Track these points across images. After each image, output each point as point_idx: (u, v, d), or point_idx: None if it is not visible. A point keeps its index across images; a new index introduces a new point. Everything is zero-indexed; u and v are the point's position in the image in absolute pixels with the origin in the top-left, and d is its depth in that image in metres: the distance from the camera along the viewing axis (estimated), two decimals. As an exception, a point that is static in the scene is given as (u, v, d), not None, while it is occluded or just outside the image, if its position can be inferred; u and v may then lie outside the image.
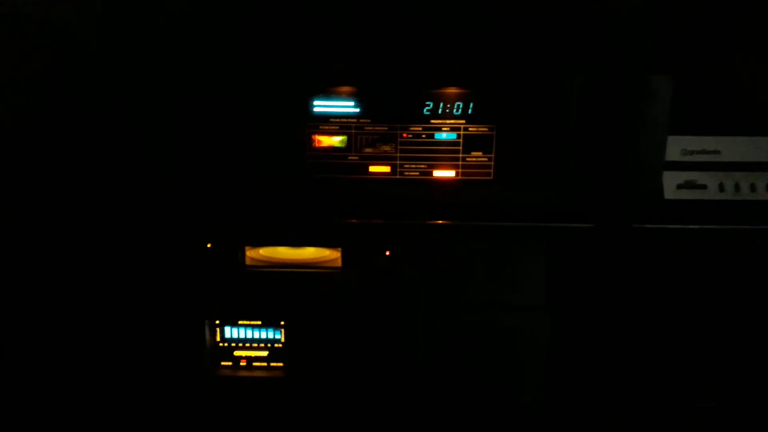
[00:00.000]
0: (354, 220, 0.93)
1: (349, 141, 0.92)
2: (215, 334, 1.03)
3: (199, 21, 0.89)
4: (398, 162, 0.92)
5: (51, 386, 1.03)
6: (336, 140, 0.92)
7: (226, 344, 1.03)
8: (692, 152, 0.90)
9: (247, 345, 1.03)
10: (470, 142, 0.91)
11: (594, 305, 0.94)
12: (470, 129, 0.91)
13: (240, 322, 1.02)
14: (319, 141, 0.92)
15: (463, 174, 0.92)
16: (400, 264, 0.97)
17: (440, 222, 0.93)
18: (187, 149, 0.92)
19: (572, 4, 0.87)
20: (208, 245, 0.96)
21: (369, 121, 0.91)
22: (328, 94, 0.90)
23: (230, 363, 1.04)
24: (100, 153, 0.92)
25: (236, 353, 1.03)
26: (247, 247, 0.97)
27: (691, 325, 1.00)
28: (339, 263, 0.98)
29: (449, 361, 1.01)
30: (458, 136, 0.91)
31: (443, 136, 0.91)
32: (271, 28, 0.90)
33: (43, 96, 0.91)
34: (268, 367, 1.03)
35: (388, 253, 0.97)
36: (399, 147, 0.92)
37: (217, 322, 1.02)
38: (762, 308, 0.98)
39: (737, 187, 0.90)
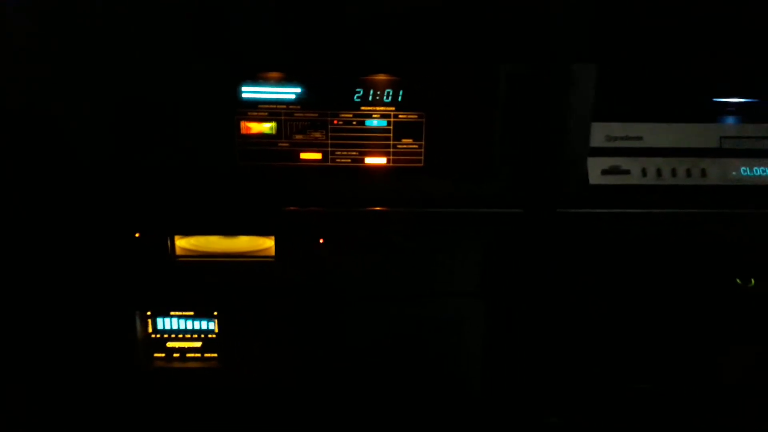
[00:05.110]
0: (287, 208, 0.92)
1: (279, 127, 0.91)
2: (147, 326, 1.01)
3: (123, 8, 0.87)
4: (329, 149, 0.92)
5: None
6: (266, 127, 0.91)
7: (158, 336, 1.01)
8: (616, 138, 0.93)
9: (180, 336, 1.01)
10: (401, 130, 0.92)
11: (526, 290, 0.95)
12: (400, 116, 0.91)
13: (172, 313, 1.00)
14: (248, 128, 0.91)
15: (394, 161, 0.93)
16: (334, 252, 0.97)
17: (373, 209, 0.93)
18: (113, 138, 0.90)
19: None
20: (136, 234, 0.94)
21: (299, 107, 0.91)
22: (256, 80, 0.89)
23: (163, 355, 1.02)
24: (23, 142, 0.89)
25: (169, 345, 1.02)
26: (177, 237, 0.96)
27: (622, 307, 1.03)
28: (272, 252, 0.97)
29: (385, 348, 1.02)
30: (389, 123, 0.92)
31: (374, 123, 0.92)
32: (199, 12, 0.88)
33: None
34: (202, 358, 1.02)
35: (322, 241, 0.97)
36: (330, 134, 0.92)
37: (149, 313, 1.00)
38: (689, 289, 1.01)
39: (659, 172, 0.93)
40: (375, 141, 0.92)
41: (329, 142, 0.92)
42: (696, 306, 1.01)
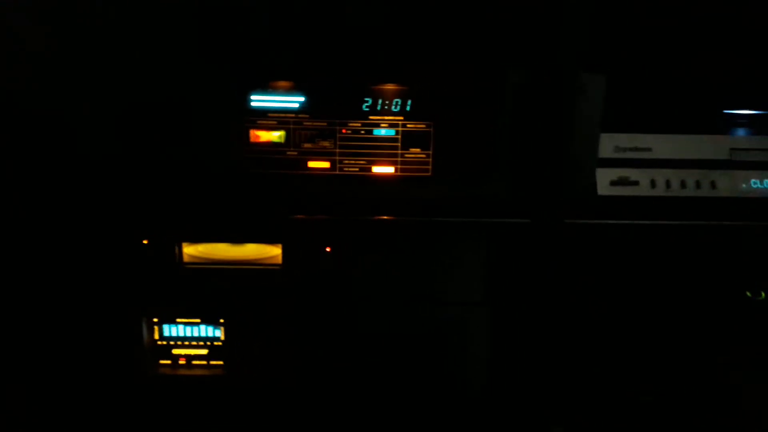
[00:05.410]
0: (294, 216, 0.92)
1: (287, 136, 0.91)
2: (153, 333, 1.01)
3: (138, 15, 0.88)
4: (337, 158, 0.92)
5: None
6: (274, 135, 0.91)
7: (164, 342, 1.01)
8: (625, 149, 0.92)
9: (186, 343, 1.01)
10: (409, 139, 0.92)
11: (533, 299, 0.95)
12: (408, 125, 0.91)
13: (178, 320, 1.00)
14: (258, 136, 0.91)
15: (402, 170, 0.93)
16: (341, 260, 0.97)
17: (380, 218, 0.93)
18: (123, 145, 0.90)
19: (508, 2, 0.88)
20: (144, 242, 0.94)
21: (308, 116, 0.91)
22: (266, 88, 0.90)
23: (169, 361, 1.02)
24: (34, 147, 0.90)
25: (175, 351, 1.02)
26: (184, 244, 0.96)
27: (630, 317, 1.02)
28: (279, 260, 0.97)
29: (391, 357, 1.01)
30: (397, 132, 0.92)
31: (382, 132, 0.92)
32: (210, 21, 0.89)
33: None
34: (208, 366, 1.02)
35: (329, 249, 0.96)
36: (338, 143, 0.92)
37: (155, 320, 1.00)
38: (698, 302, 1.01)
39: (668, 184, 0.92)
40: (383, 150, 0.92)
41: (337, 150, 0.92)
42: (706, 319, 1.00)
